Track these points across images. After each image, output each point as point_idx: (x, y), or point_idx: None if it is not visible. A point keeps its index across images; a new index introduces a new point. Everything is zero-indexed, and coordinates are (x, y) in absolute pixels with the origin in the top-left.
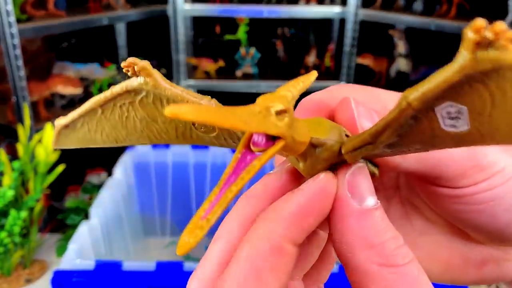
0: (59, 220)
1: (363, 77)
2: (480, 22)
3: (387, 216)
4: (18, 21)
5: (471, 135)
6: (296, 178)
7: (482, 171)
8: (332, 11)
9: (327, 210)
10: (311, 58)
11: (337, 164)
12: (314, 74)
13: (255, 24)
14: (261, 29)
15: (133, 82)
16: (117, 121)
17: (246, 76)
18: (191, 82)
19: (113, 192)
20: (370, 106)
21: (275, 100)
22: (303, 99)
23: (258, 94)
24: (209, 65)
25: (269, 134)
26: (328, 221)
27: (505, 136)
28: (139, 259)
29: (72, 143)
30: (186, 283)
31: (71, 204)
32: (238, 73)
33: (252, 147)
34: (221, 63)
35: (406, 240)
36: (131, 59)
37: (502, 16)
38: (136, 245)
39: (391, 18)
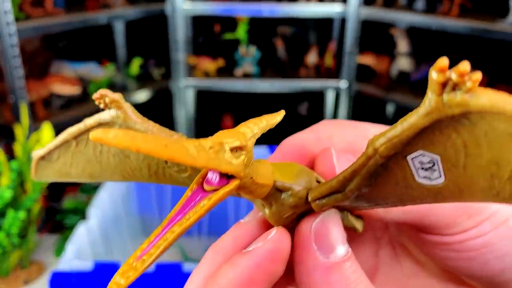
0: (57, 220)
1: (364, 76)
2: (442, 61)
3: (359, 265)
4: (16, 20)
5: (448, 189)
6: (268, 230)
7: (471, 217)
8: (332, 9)
9: (279, 273)
10: (312, 57)
11: (305, 213)
12: (281, 113)
13: (255, 23)
14: (261, 28)
15: (106, 115)
16: (91, 155)
17: (246, 75)
18: (190, 81)
19: (112, 193)
20: (358, 145)
21: (231, 136)
22: (284, 141)
23: (257, 94)
24: (208, 64)
25: (221, 171)
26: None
27: (484, 193)
28: None
29: (49, 176)
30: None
31: (69, 204)
32: (238, 72)
33: (205, 186)
34: (220, 62)
35: (395, 283)
36: (102, 91)
37: (503, 15)
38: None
39: (392, 16)
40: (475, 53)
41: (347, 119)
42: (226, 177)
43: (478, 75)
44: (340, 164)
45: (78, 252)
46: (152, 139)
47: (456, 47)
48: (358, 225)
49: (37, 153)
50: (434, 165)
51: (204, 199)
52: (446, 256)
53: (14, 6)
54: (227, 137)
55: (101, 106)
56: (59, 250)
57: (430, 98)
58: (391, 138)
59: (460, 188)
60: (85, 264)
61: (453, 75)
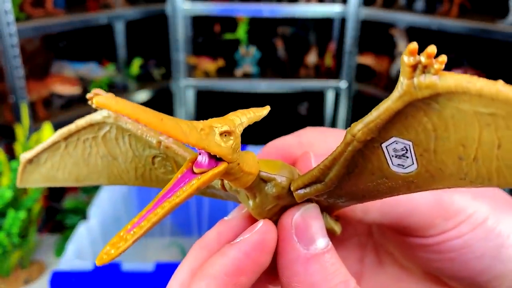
0: (57, 220)
1: (364, 76)
2: (413, 46)
3: (339, 258)
4: (17, 20)
5: (421, 176)
6: (251, 225)
7: (450, 219)
8: (332, 10)
9: (266, 264)
10: (312, 58)
11: (288, 206)
12: (266, 108)
13: (255, 23)
14: (261, 28)
15: (97, 115)
16: (80, 157)
17: (246, 75)
18: (191, 81)
19: (112, 193)
20: None
21: (221, 122)
22: (269, 143)
23: (257, 94)
24: (208, 64)
25: (210, 152)
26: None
27: (453, 178)
28: (138, 259)
29: (35, 181)
30: None
31: (70, 204)
32: (238, 72)
33: (194, 168)
34: (220, 62)
35: None
36: (95, 91)
37: (503, 15)
38: (135, 246)
39: (392, 17)
40: (475, 53)
41: (347, 119)
42: (215, 160)
43: (444, 58)
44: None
45: (78, 252)
46: (150, 111)
47: (455, 47)
48: (336, 227)
49: (24, 156)
50: (407, 151)
51: (193, 179)
52: (428, 258)
53: (14, 6)
54: (217, 122)
55: (94, 106)
56: (60, 250)
57: (402, 82)
58: (368, 123)
59: (431, 174)
60: (85, 264)
61: (422, 57)
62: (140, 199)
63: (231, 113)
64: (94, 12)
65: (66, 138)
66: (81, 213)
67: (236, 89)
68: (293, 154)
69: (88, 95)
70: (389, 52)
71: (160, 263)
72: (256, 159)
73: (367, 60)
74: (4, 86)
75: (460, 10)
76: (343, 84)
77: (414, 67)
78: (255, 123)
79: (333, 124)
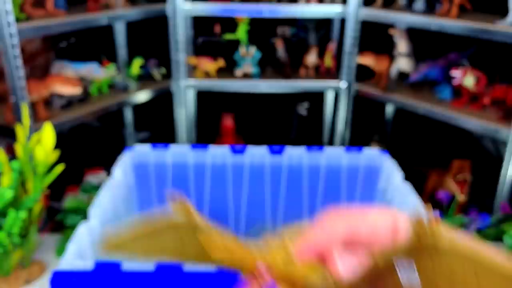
0: (58, 220)
1: (363, 76)
2: (420, 218)
3: None
4: (17, 20)
5: None
6: None
7: None
8: (332, 10)
9: None
10: (312, 58)
11: None
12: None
13: (255, 23)
14: (261, 29)
15: (178, 218)
16: (154, 243)
17: (246, 76)
18: (191, 81)
19: (112, 193)
20: (358, 231)
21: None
22: (300, 243)
23: (257, 94)
24: (209, 65)
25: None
26: None
27: None
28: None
29: (114, 253)
30: (185, 285)
31: (70, 204)
32: (238, 72)
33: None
34: (221, 62)
35: None
36: (182, 201)
37: (502, 15)
38: None
39: (392, 17)
40: (475, 53)
41: (347, 119)
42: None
43: (439, 221)
44: (342, 264)
45: (79, 252)
46: (240, 247)
47: (455, 48)
48: None
49: (110, 240)
50: (414, 276)
51: None
52: None
53: (15, 7)
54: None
55: (174, 210)
56: (60, 249)
57: (412, 239)
58: (388, 255)
59: None
60: (86, 264)
61: (425, 222)
62: (140, 200)
63: (287, 240)
64: (95, 12)
65: (149, 230)
66: (82, 213)
67: (236, 90)
68: (323, 247)
69: (173, 201)
70: (389, 52)
71: (160, 263)
72: (302, 270)
73: (367, 60)
74: (4, 86)
75: (460, 10)
76: (343, 84)
77: (421, 229)
78: (256, 123)
79: (333, 124)
